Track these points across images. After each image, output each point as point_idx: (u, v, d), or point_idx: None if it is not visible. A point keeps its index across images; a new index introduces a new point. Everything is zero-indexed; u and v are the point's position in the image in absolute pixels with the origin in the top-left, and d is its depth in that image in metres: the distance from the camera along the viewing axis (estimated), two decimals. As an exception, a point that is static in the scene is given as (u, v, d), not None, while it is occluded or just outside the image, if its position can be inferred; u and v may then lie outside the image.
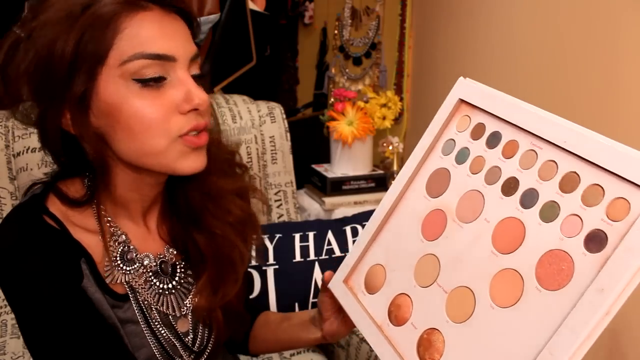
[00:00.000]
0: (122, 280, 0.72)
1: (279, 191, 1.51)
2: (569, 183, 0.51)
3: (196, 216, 0.76)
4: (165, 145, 0.65)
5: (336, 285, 0.71)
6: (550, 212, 0.51)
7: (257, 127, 1.48)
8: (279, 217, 1.52)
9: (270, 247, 1.34)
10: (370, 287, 0.67)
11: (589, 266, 0.47)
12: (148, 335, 0.73)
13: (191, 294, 0.78)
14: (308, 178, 1.88)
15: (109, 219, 0.72)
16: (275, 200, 1.52)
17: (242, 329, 0.92)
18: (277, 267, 1.32)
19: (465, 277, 0.56)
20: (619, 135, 1.08)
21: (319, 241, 1.37)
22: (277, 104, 1.56)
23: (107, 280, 0.71)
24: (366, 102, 1.77)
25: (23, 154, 1.21)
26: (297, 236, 1.37)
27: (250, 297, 1.29)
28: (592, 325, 0.45)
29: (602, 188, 0.48)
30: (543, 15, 1.33)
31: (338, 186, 1.74)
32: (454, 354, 0.54)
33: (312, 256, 1.36)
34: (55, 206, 0.69)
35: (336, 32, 2.37)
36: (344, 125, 1.71)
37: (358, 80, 2.21)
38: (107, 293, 0.70)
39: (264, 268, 1.32)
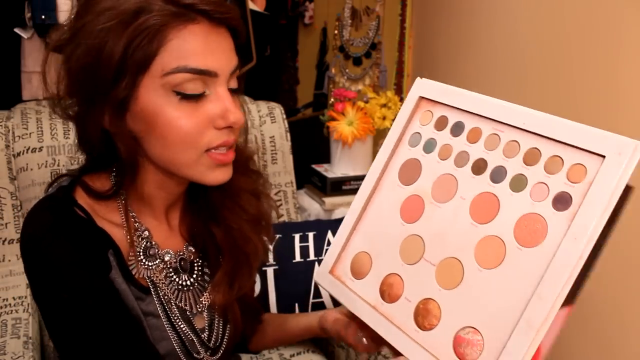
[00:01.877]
0: (145, 275, 0.74)
1: (279, 191, 1.52)
2: (531, 157, 0.58)
3: (215, 211, 0.79)
4: (194, 159, 0.67)
5: (322, 277, 0.73)
6: (519, 183, 0.58)
7: (257, 127, 1.48)
8: (278, 218, 1.52)
9: (270, 248, 1.34)
10: (358, 273, 0.69)
11: (560, 222, 0.54)
12: (168, 329, 0.75)
13: (207, 291, 0.80)
14: (308, 178, 1.88)
15: (133, 214, 0.74)
16: (276, 200, 1.52)
17: (256, 324, 0.95)
18: (277, 267, 1.32)
19: (450, 249, 0.61)
20: (619, 133, 1.08)
21: (319, 241, 1.37)
22: (277, 104, 1.56)
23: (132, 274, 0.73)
24: (366, 102, 1.77)
25: (23, 154, 1.21)
26: (297, 236, 1.37)
27: (250, 297, 1.29)
28: (571, 268, 0.51)
29: (561, 158, 0.56)
30: (543, 15, 1.32)
31: (338, 186, 1.74)
32: (450, 317, 0.59)
33: (312, 256, 1.35)
34: (82, 198, 0.71)
35: (336, 32, 2.37)
36: (344, 125, 1.71)
37: (358, 80, 2.21)
38: (133, 285, 0.72)
39: (264, 268, 1.32)
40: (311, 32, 2.87)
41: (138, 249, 0.74)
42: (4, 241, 1.21)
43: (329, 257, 0.73)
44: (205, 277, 0.81)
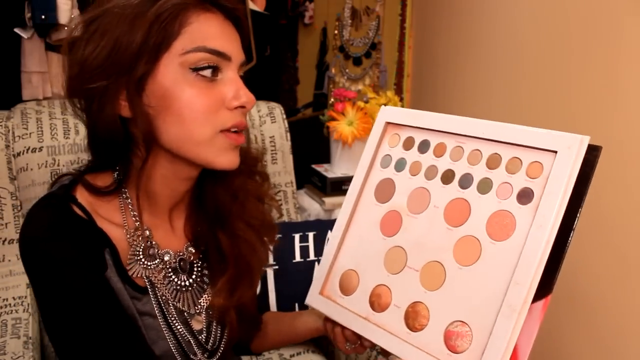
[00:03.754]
0: (143, 275, 0.74)
1: (279, 191, 1.51)
2: (493, 162, 0.65)
3: (223, 217, 0.79)
4: (209, 136, 0.69)
5: (314, 298, 0.77)
6: (485, 186, 0.65)
7: (257, 127, 1.48)
8: (278, 217, 1.52)
9: (270, 247, 1.34)
10: (347, 290, 0.74)
11: (526, 215, 0.60)
12: (165, 330, 0.75)
13: (206, 292, 0.80)
14: (308, 178, 1.87)
15: (135, 213, 0.75)
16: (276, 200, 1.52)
17: (254, 332, 0.95)
18: (276, 267, 1.32)
19: (430, 253, 0.66)
20: (619, 135, 1.08)
21: (319, 241, 1.37)
22: (277, 104, 1.55)
23: (129, 273, 0.73)
24: (366, 102, 1.77)
25: (23, 154, 1.21)
26: (297, 236, 1.37)
27: (250, 297, 1.28)
28: (540, 253, 0.57)
29: (519, 159, 0.63)
30: (543, 15, 1.32)
31: (338, 186, 1.74)
32: (438, 315, 0.63)
33: (312, 256, 1.35)
34: (83, 197, 0.72)
35: (336, 32, 2.37)
36: (344, 125, 1.71)
37: (358, 80, 2.21)
38: (128, 284, 0.72)
39: (263, 268, 1.32)
40: (311, 32, 2.87)
41: (138, 249, 0.74)
42: (4, 241, 1.21)
43: (317, 279, 0.78)
44: (205, 278, 0.81)
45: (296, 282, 1.33)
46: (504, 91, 1.50)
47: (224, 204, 0.79)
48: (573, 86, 1.22)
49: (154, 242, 0.76)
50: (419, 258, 0.67)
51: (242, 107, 0.70)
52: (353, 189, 0.77)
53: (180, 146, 0.69)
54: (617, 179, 1.10)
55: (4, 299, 1.17)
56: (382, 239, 0.71)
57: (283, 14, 2.82)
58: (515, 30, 1.43)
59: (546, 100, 1.30)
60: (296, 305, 1.32)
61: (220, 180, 0.78)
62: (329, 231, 1.39)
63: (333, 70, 2.39)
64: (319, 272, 0.78)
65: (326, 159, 1.85)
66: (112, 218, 0.73)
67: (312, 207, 1.78)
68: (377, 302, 0.69)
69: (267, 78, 2.57)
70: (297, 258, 1.35)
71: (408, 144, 0.74)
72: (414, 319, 0.65)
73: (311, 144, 1.90)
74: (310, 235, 1.38)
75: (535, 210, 0.59)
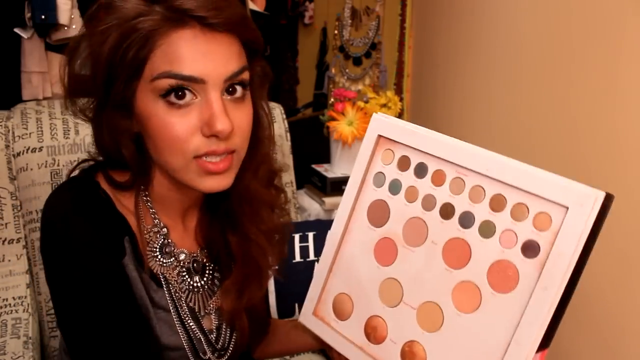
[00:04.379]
0: (158, 271, 0.75)
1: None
2: (497, 204, 0.59)
3: (233, 218, 0.78)
4: (184, 164, 0.66)
5: (307, 318, 0.75)
6: (487, 229, 0.59)
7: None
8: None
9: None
10: (341, 315, 0.71)
11: (530, 269, 0.56)
12: (178, 325, 0.75)
13: (215, 295, 0.81)
14: (308, 178, 1.88)
15: (153, 211, 0.75)
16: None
17: (263, 334, 0.94)
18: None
19: (428, 293, 0.62)
20: (618, 135, 1.08)
21: (319, 241, 1.37)
22: (277, 104, 1.55)
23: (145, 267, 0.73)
24: (366, 102, 1.77)
25: (23, 154, 1.21)
26: (296, 236, 1.37)
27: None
28: (543, 317, 0.54)
29: (526, 206, 0.57)
30: (543, 15, 1.32)
31: (338, 186, 1.74)
32: (436, 358, 0.61)
33: (311, 256, 1.35)
34: (104, 184, 0.72)
35: (336, 32, 2.37)
36: (344, 125, 1.71)
37: (358, 80, 2.21)
38: (146, 272, 0.72)
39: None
40: (311, 32, 2.86)
41: (155, 245, 0.75)
42: (4, 241, 1.21)
43: (310, 299, 0.75)
44: (216, 281, 0.82)
45: (296, 282, 1.32)
46: (503, 91, 1.50)
47: (235, 206, 0.78)
48: (573, 85, 1.22)
49: (170, 241, 0.76)
50: (416, 296, 0.64)
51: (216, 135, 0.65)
52: (345, 205, 0.73)
53: (163, 167, 0.70)
54: (617, 179, 1.10)
55: (4, 299, 1.17)
56: (376, 267, 0.68)
57: (283, 14, 2.82)
58: (515, 30, 1.43)
59: (546, 100, 1.29)
60: (296, 305, 1.32)
61: (236, 187, 0.75)
62: (329, 231, 1.39)
63: (333, 70, 2.39)
64: (311, 291, 0.75)
65: (326, 159, 1.85)
66: (131, 210, 0.74)
67: (312, 207, 1.78)
68: (373, 335, 0.67)
69: (267, 78, 2.56)
70: (297, 258, 1.35)
71: (403, 164, 0.67)
72: (410, 358, 0.63)
73: (311, 144, 1.90)
74: (310, 235, 1.38)
75: (541, 267, 0.54)
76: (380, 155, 0.69)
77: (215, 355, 0.80)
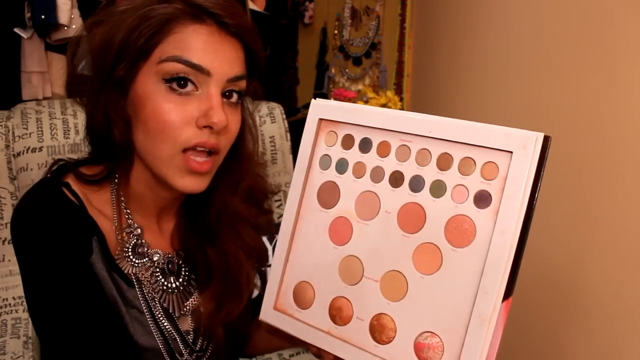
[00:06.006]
0: (130, 272, 0.74)
1: (278, 191, 1.51)
2: (444, 162, 0.60)
3: (212, 232, 0.78)
4: (169, 155, 0.67)
5: (268, 314, 0.72)
6: (438, 189, 0.60)
7: (257, 128, 1.48)
8: (278, 218, 1.52)
9: (270, 248, 1.34)
10: (303, 303, 0.70)
11: (485, 219, 0.57)
12: (152, 326, 0.74)
13: (192, 297, 0.80)
14: (308, 178, 1.87)
15: (128, 211, 0.75)
16: (275, 200, 1.51)
17: (241, 349, 0.94)
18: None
19: (389, 263, 0.63)
20: (619, 134, 1.08)
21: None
22: (277, 104, 1.55)
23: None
24: (366, 102, 1.77)
25: (23, 154, 1.21)
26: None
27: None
28: (505, 260, 0.55)
29: (472, 159, 0.58)
30: (543, 15, 1.33)
31: (338, 186, 1.74)
32: (405, 326, 0.61)
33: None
34: (75, 185, 0.72)
35: (336, 32, 2.37)
36: (344, 125, 1.71)
37: (358, 80, 2.22)
38: (117, 273, 0.72)
39: (263, 269, 1.32)
40: (311, 32, 2.87)
41: (127, 245, 0.74)
42: (4, 241, 1.21)
43: (269, 294, 0.73)
44: (192, 282, 0.80)
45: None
46: (503, 91, 1.50)
47: (213, 220, 0.77)
48: (573, 85, 1.22)
49: (144, 241, 0.76)
50: (376, 268, 0.63)
51: (209, 127, 0.66)
52: (294, 193, 0.72)
53: (145, 157, 0.69)
54: (617, 178, 1.10)
55: (4, 299, 1.17)
56: (333, 247, 0.67)
57: (283, 14, 2.82)
58: (515, 30, 1.44)
59: (546, 99, 1.30)
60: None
61: (213, 196, 0.76)
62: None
63: (333, 70, 2.40)
64: (269, 286, 0.73)
65: (326, 159, 1.85)
66: (103, 210, 0.73)
67: (312, 207, 1.78)
68: (339, 315, 0.66)
69: (267, 78, 2.57)
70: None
71: (347, 142, 0.68)
72: (380, 331, 0.62)
73: (311, 144, 1.90)
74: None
75: (495, 215, 0.56)
76: (324, 138, 0.70)
77: (193, 356, 0.78)
